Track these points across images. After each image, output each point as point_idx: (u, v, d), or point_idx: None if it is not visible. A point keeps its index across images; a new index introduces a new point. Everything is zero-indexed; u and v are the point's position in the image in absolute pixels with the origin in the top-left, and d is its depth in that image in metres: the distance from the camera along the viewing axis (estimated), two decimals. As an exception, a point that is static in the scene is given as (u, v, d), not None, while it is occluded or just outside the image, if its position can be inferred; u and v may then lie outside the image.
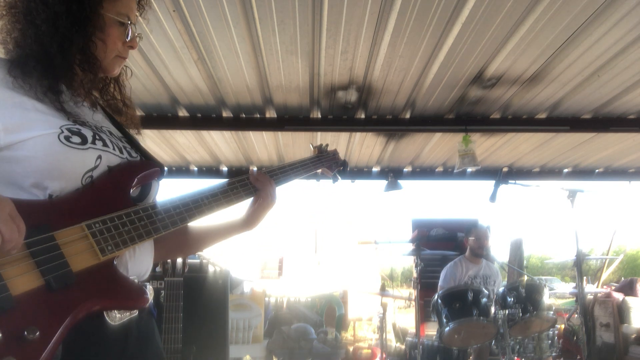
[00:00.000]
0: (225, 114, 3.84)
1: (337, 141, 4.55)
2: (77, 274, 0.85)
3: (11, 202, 0.78)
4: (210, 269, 4.21)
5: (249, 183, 1.25)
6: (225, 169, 5.46)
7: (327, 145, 1.69)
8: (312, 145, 1.67)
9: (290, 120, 3.86)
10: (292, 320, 6.90)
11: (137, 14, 1.16)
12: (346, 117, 3.89)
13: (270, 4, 2.37)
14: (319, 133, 4.28)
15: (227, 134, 4.31)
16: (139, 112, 3.68)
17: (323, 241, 17.09)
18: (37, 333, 0.76)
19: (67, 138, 0.92)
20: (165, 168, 1.14)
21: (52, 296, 0.81)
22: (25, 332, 0.75)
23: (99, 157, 0.96)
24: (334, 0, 2.33)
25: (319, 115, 3.87)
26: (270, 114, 3.84)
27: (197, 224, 1.20)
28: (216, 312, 3.92)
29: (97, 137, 0.98)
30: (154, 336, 1.10)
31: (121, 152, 1.04)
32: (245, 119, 3.88)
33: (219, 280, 4.05)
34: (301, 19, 2.51)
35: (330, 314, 7.53)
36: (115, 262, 0.93)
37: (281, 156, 5.03)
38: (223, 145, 4.65)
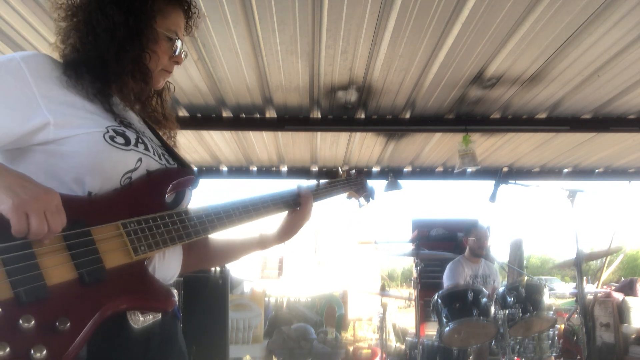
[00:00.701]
0: (225, 114, 3.84)
1: (337, 141, 4.55)
2: (110, 271, 0.86)
3: (59, 196, 0.81)
4: (210, 268, 4.21)
5: (282, 201, 1.28)
6: (225, 169, 5.46)
7: (355, 170, 1.76)
8: (341, 169, 1.72)
9: (290, 120, 3.86)
10: (292, 320, 6.90)
11: (184, 32, 1.21)
12: (346, 117, 3.89)
13: (270, 4, 2.37)
14: (319, 133, 4.28)
15: (227, 134, 4.31)
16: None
17: (323, 241, 17.09)
18: (68, 324, 0.77)
19: (111, 138, 0.96)
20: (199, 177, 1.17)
21: (84, 290, 0.82)
22: (57, 323, 0.76)
23: (140, 159, 0.99)
24: (334, 0, 2.33)
25: (319, 115, 3.86)
26: (270, 114, 3.84)
27: (229, 235, 1.24)
28: (216, 312, 3.92)
29: (139, 140, 1.02)
30: (177, 339, 1.11)
31: (160, 158, 1.07)
32: (245, 119, 3.88)
33: (219, 280, 4.05)
34: (301, 19, 2.51)
35: (330, 314, 7.53)
36: (145, 263, 0.95)
37: (281, 156, 5.03)
38: (223, 145, 4.65)
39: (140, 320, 0.95)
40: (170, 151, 1.18)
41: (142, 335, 0.96)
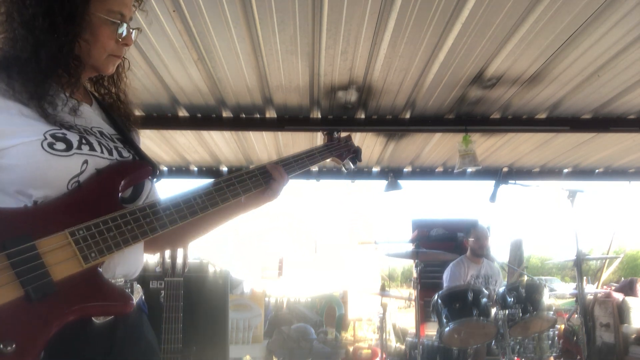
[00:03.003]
0: (225, 114, 3.83)
1: (337, 141, 4.55)
2: (58, 283, 0.83)
3: None
4: (210, 269, 4.21)
5: (251, 182, 1.19)
6: (225, 169, 5.46)
7: (339, 132, 1.63)
8: (324, 133, 1.60)
9: (290, 120, 3.86)
10: (292, 320, 6.91)
11: (136, 4, 1.12)
12: (346, 117, 3.89)
13: (270, 4, 2.37)
14: (318, 133, 4.28)
15: (227, 134, 4.31)
16: (138, 112, 3.68)
17: (323, 241, 17.09)
18: (14, 345, 0.75)
19: (50, 145, 0.90)
20: (162, 167, 1.12)
21: (32, 307, 0.79)
22: (1, 345, 0.74)
23: (85, 162, 0.94)
24: (334, 0, 2.33)
25: (319, 116, 3.86)
26: (270, 114, 3.84)
27: None
28: (216, 312, 3.92)
29: (83, 141, 0.96)
30: (144, 332, 1.09)
31: (110, 153, 1.01)
32: (245, 119, 3.88)
33: (219, 280, 4.04)
34: (301, 19, 2.51)
35: (330, 314, 7.53)
36: (100, 268, 0.91)
37: (281, 156, 5.01)
38: (223, 145, 4.65)
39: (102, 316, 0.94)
40: (127, 141, 1.11)
41: (105, 329, 0.95)
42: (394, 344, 6.88)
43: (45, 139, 0.91)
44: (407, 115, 3.88)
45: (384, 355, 4.56)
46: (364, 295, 8.49)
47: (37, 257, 0.82)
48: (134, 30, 1.09)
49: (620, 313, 5.63)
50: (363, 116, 3.87)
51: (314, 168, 5.40)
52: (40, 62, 0.95)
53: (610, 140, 4.43)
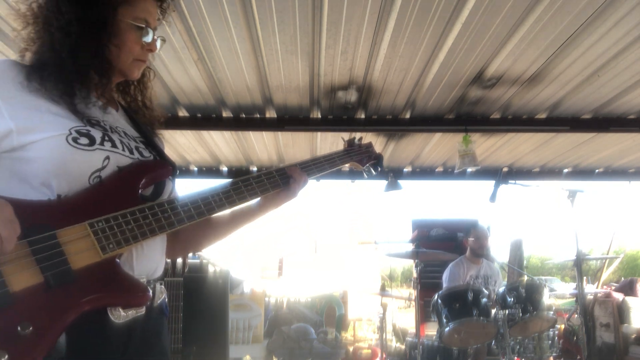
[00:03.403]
0: (225, 114, 3.83)
1: (337, 141, 4.55)
2: (77, 271, 0.86)
3: (10, 206, 0.81)
4: (210, 269, 4.22)
5: (269, 182, 1.23)
6: (225, 169, 5.45)
7: (360, 138, 1.63)
8: (344, 139, 1.61)
9: (290, 120, 3.86)
10: (292, 320, 6.90)
11: (160, 16, 1.19)
12: (346, 117, 3.89)
13: (270, 4, 2.37)
14: (319, 133, 4.28)
15: (227, 134, 4.31)
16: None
17: (323, 241, 17.09)
18: (30, 328, 0.77)
19: (74, 139, 0.95)
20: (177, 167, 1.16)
21: (50, 293, 0.82)
22: (19, 328, 0.76)
23: (107, 157, 0.99)
24: (334, 0, 2.33)
25: (319, 116, 3.86)
26: (270, 114, 3.84)
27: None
28: (216, 312, 3.92)
29: (106, 138, 1.01)
30: (161, 336, 1.10)
31: (132, 152, 1.06)
32: (245, 119, 3.88)
33: (219, 280, 4.05)
34: (301, 19, 2.51)
35: (330, 314, 7.53)
36: (118, 260, 0.94)
37: (281, 156, 5.03)
38: (223, 145, 4.65)
39: (122, 315, 0.95)
40: (150, 143, 1.16)
41: (123, 329, 0.96)
42: (394, 344, 6.88)
43: (70, 133, 0.96)
44: (407, 115, 3.88)
45: (384, 355, 4.56)
46: (364, 295, 8.50)
47: (57, 245, 0.86)
48: (158, 38, 1.16)
49: (620, 313, 5.63)
50: (363, 116, 3.87)
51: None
52: (76, 63, 1.01)
53: (610, 140, 4.43)
